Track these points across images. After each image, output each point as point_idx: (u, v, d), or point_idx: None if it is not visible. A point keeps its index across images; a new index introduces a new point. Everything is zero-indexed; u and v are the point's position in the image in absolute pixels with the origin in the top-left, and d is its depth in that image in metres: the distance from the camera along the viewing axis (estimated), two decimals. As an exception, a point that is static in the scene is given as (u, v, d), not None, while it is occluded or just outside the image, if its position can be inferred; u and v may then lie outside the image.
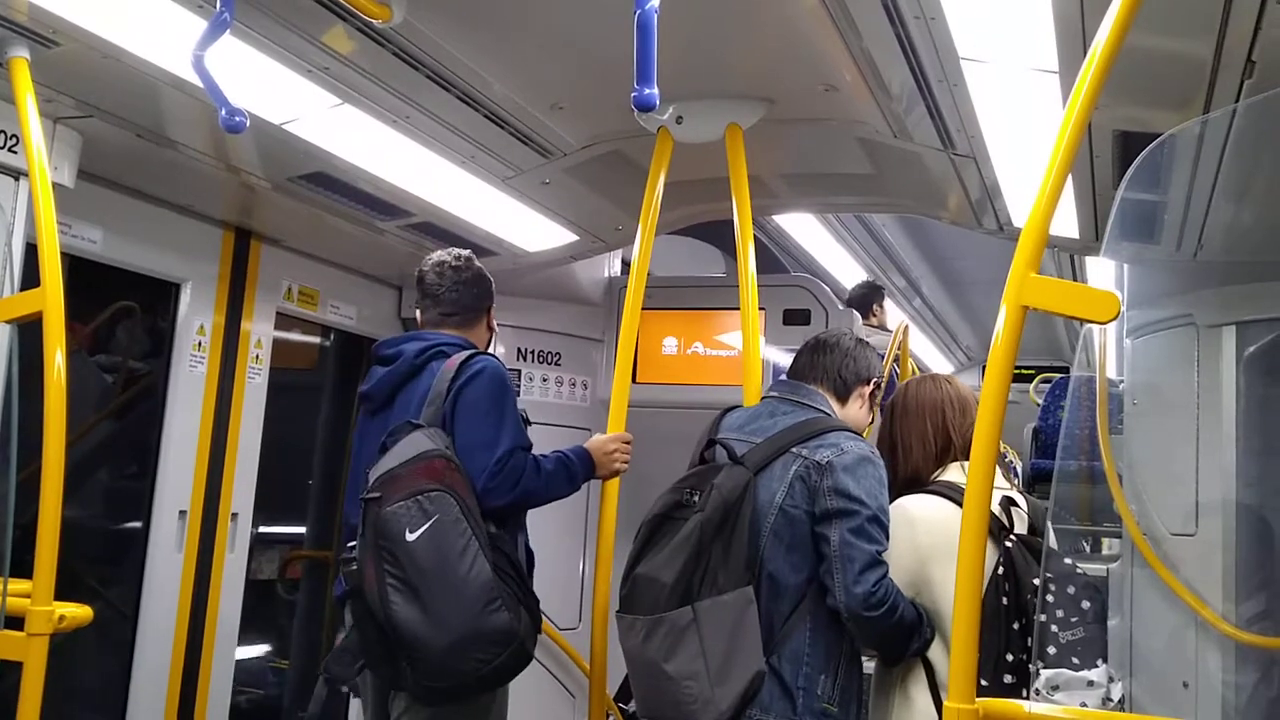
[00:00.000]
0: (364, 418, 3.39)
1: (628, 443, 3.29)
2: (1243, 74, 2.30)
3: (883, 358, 4.84)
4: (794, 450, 2.70)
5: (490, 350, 3.48)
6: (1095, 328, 3.40)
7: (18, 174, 2.83)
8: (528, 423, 3.33)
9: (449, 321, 3.37)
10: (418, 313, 3.44)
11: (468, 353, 3.21)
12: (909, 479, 2.79)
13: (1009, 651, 2.42)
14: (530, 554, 3.28)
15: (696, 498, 2.63)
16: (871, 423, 3.07)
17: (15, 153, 2.78)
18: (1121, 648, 3.18)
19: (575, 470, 3.19)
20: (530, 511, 3.26)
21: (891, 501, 2.73)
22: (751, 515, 2.62)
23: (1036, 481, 5.81)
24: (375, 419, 3.29)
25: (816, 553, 2.63)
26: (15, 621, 2.43)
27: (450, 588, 2.84)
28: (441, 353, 3.22)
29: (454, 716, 3.08)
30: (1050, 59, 2.52)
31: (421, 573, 2.85)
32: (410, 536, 2.86)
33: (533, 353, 5.06)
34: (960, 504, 2.50)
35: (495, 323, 3.53)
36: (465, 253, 3.46)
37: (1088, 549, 5.07)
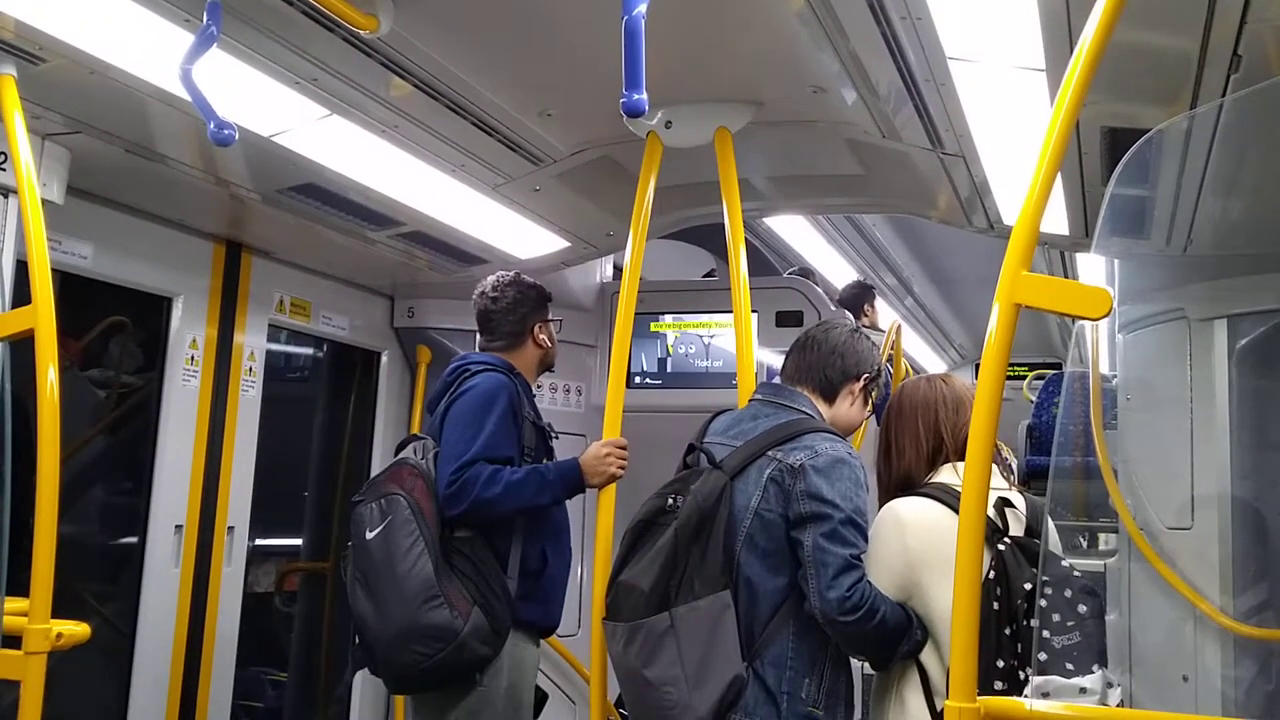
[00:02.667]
0: None
1: (623, 448, 3.30)
2: (1229, 68, 2.31)
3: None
4: (769, 453, 2.68)
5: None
6: (1088, 324, 3.41)
7: (7, 191, 2.82)
8: (554, 435, 3.51)
9: (492, 347, 3.60)
10: None
11: (477, 367, 3.41)
12: (902, 481, 2.75)
13: (1000, 658, 2.38)
14: (545, 558, 3.39)
15: (678, 503, 2.63)
16: (869, 417, 3.03)
17: (4, 170, 2.77)
18: (1120, 643, 3.19)
19: (550, 480, 3.27)
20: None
21: (884, 504, 2.71)
22: (727, 520, 2.61)
23: (1031, 479, 5.82)
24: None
25: (794, 557, 2.61)
26: (13, 640, 2.42)
27: (393, 583, 3.11)
28: (467, 370, 3.44)
29: (443, 704, 3.26)
30: (1037, 57, 2.53)
31: (375, 568, 3.15)
32: (369, 535, 3.17)
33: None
34: (951, 506, 2.52)
35: (546, 338, 3.65)
36: (507, 277, 3.64)
37: (1084, 545, 5.09)
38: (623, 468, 3.29)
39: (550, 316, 3.68)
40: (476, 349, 3.69)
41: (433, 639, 3.08)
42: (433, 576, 3.09)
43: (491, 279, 3.64)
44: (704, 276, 5.85)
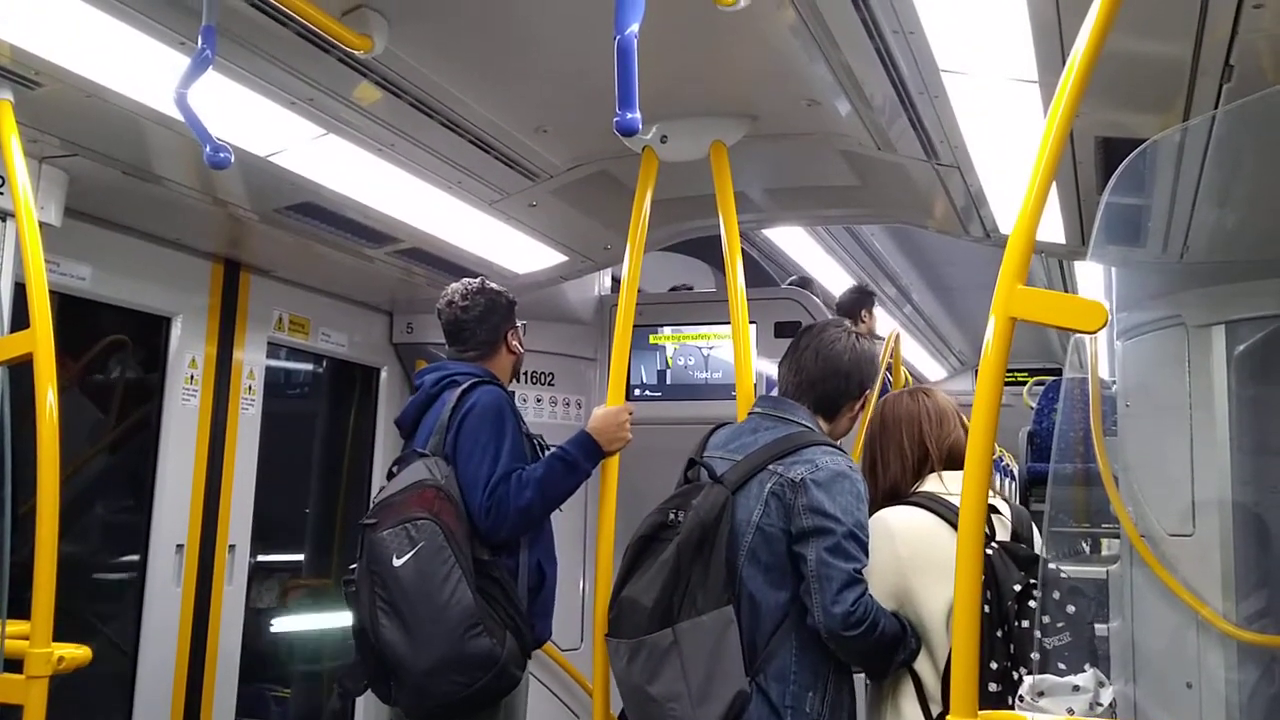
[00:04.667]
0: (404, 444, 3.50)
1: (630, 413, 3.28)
2: (1221, 78, 2.32)
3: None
4: (770, 467, 2.68)
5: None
6: (1085, 332, 3.41)
7: (4, 215, 2.83)
8: (544, 449, 3.39)
9: (465, 356, 3.48)
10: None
11: (471, 382, 3.31)
12: (888, 492, 2.80)
13: (993, 659, 2.43)
14: (543, 571, 3.34)
15: (680, 518, 2.62)
16: (861, 428, 3.05)
17: (1, 194, 2.78)
18: (1124, 650, 3.18)
19: (573, 458, 3.19)
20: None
21: (871, 515, 2.72)
22: (729, 535, 2.60)
23: (1034, 485, 5.81)
24: (407, 446, 3.42)
25: (796, 572, 2.61)
26: (14, 664, 2.42)
27: (432, 613, 2.98)
28: (454, 382, 3.34)
29: None
30: (1030, 68, 2.53)
31: (406, 597, 3.00)
32: (397, 562, 3.01)
33: (526, 373, 5.05)
34: (938, 513, 2.59)
35: (518, 344, 3.59)
36: (474, 285, 3.52)
37: (1087, 551, 5.08)
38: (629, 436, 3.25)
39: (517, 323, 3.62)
40: (448, 357, 3.57)
41: (474, 668, 2.99)
42: (473, 605, 2.99)
43: (458, 287, 3.50)
44: (670, 290, 5.82)
